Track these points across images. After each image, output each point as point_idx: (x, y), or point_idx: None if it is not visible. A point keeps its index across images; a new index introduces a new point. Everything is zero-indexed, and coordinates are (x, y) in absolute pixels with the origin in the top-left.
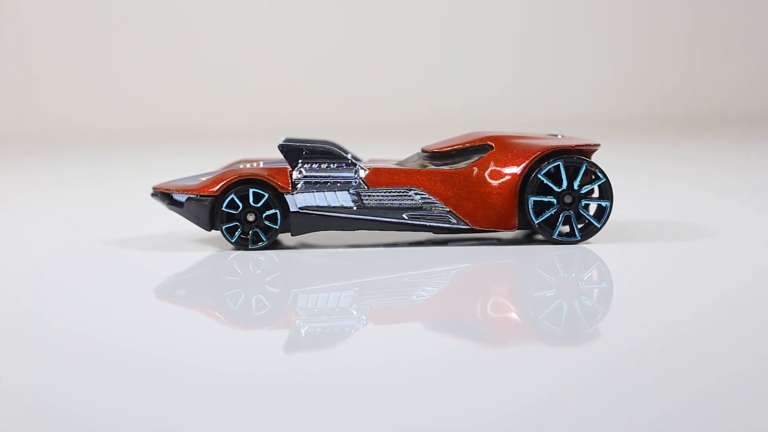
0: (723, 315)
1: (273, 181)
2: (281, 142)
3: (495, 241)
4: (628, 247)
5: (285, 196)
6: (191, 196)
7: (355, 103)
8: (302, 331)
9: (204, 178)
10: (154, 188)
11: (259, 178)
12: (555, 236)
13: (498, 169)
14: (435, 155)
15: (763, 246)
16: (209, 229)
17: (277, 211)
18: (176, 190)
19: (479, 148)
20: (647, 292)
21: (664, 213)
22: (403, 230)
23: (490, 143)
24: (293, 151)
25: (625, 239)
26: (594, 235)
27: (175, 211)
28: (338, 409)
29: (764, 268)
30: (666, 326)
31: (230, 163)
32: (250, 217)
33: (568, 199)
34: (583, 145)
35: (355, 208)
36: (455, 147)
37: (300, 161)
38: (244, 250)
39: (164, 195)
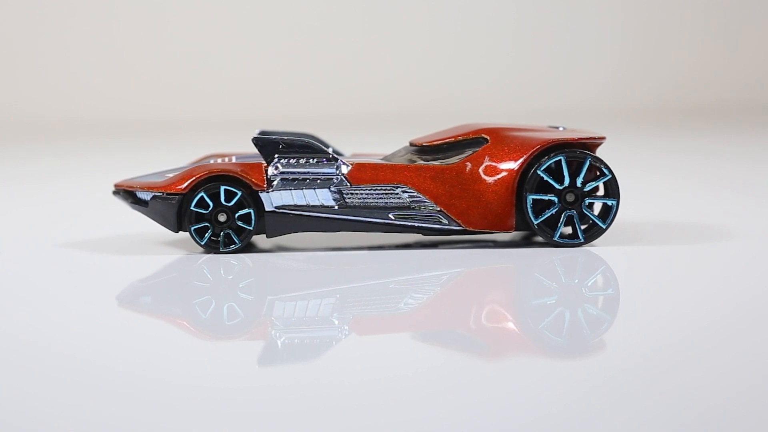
0: (739, 324)
1: (246, 178)
2: (255, 135)
3: (490, 244)
4: (636, 249)
5: (260, 194)
6: (157, 194)
7: (336, 92)
8: (279, 342)
9: (171, 175)
10: (116, 185)
11: (231, 174)
12: (556, 238)
13: (493, 164)
14: (424, 149)
15: None
16: (177, 231)
17: (251, 211)
18: (140, 188)
19: (473, 141)
20: (657, 300)
21: (675, 212)
22: (389, 231)
23: (485, 136)
24: (269, 144)
25: (632, 241)
26: (599, 236)
27: (138, 210)
28: (318, 427)
29: None
30: (677, 337)
31: (200, 158)
32: (222, 218)
33: (570, 198)
34: (586, 139)
35: (336, 207)
36: (446, 140)
37: (276, 156)
38: (215, 253)
39: (127, 193)
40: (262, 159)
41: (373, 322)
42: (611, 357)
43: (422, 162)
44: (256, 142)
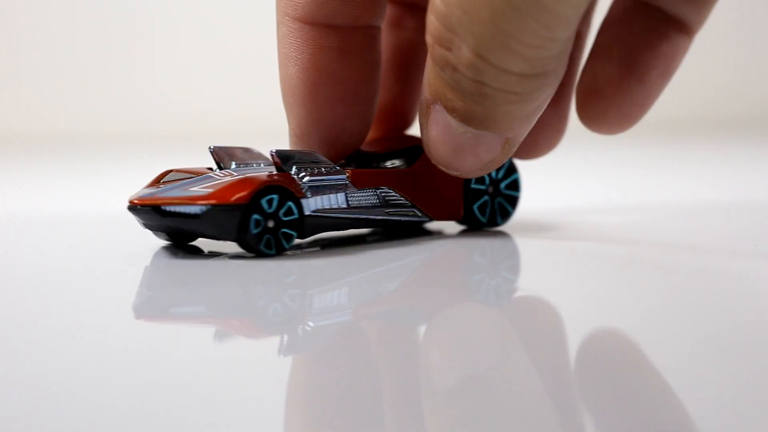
0: (628, 299)
1: (290, 188)
2: (275, 150)
3: (438, 235)
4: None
5: (301, 201)
6: (218, 205)
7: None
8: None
9: (197, 188)
10: (135, 201)
11: (280, 185)
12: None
13: None
14: (375, 156)
15: (753, 245)
16: (235, 240)
17: (291, 204)
18: (180, 202)
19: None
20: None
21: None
22: (385, 227)
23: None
24: (288, 157)
25: (553, 235)
26: (516, 208)
27: (161, 228)
28: (322, 378)
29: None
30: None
31: (160, 174)
32: (270, 224)
33: (491, 189)
34: None
35: (348, 208)
36: (396, 148)
37: (296, 167)
38: (283, 253)
39: (154, 208)
40: (283, 170)
41: (357, 308)
42: (535, 311)
43: (356, 167)
44: (279, 154)
